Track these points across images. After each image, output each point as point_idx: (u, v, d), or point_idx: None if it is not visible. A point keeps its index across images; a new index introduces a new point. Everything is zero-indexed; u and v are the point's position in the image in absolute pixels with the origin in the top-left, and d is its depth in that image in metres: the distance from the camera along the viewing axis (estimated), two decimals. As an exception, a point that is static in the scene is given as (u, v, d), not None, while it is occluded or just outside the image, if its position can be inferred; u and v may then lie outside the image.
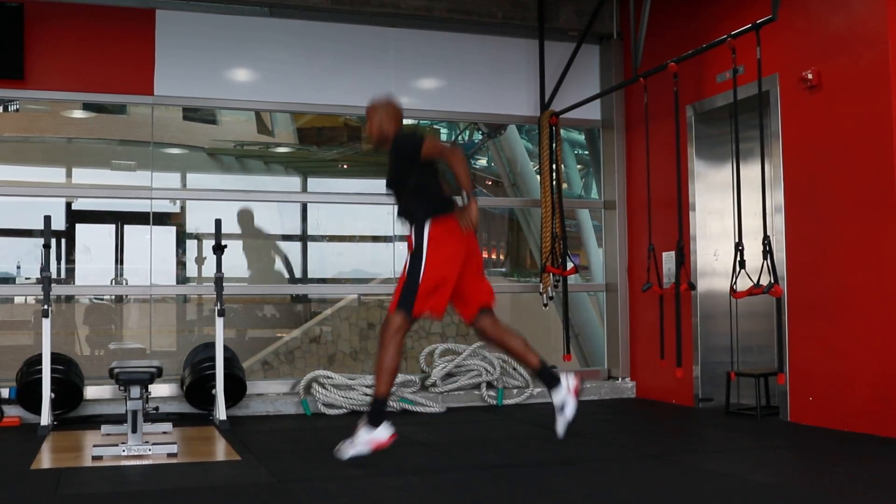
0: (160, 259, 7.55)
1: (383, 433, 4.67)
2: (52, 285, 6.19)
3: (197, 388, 6.56)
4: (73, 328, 8.25)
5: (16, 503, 4.09)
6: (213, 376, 6.32)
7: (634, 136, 7.81)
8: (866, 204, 5.58)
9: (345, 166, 10.28)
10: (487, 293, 4.93)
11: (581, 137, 9.92)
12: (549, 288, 7.64)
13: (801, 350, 6.02)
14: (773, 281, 5.42)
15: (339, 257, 9.84)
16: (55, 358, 6.22)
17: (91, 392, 6.74)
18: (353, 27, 7.63)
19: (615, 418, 6.63)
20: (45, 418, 5.98)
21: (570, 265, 7.53)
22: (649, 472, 4.67)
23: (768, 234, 5.53)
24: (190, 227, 8.62)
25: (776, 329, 5.74)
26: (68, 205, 8.19)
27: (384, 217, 7.90)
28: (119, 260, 8.37)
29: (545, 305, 7.76)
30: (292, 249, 9.63)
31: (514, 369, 7.43)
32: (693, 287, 6.22)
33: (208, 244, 7.29)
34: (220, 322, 6.34)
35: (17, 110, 8.19)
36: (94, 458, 4.95)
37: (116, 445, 5.05)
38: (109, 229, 8.38)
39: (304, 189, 9.64)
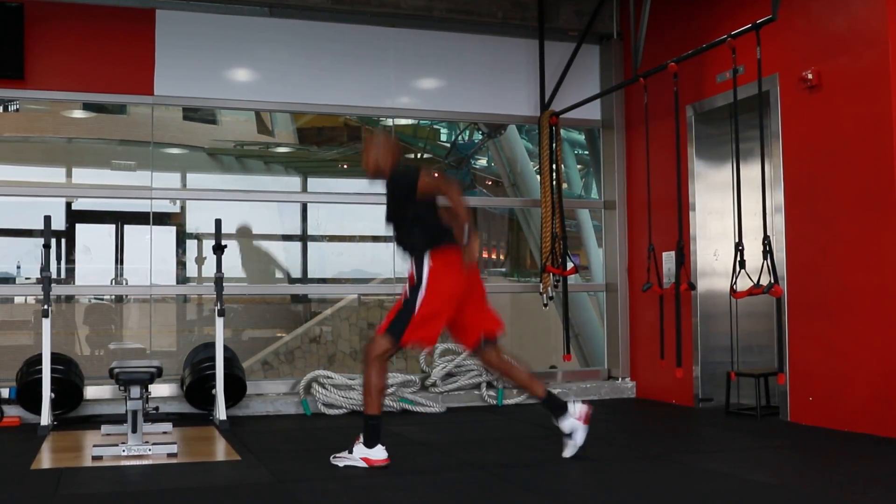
0: (160, 259, 7.55)
1: (378, 454, 4.65)
2: (52, 285, 6.19)
3: (197, 388, 6.56)
4: (73, 328, 8.25)
5: (16, 503, 4.09)
6: (213, 376, 6.32)
7: (634, 136, 7.81)
8: (866, 204, 5.58)
9: (345, 166, 10.28)
10: (490, 323, 4.88)
11: (581, 137, 9.92)
12: (549, 288, 7.64)
13: (801, 350, 6.02)
14: (773, 281, 5.42)
15: (339, 257, 9.85)
16: (55, 358, 6.22)
17: (91, 392, 6.74)
18: (353, 27, 7.63)
19: (615, 418, 6.63)
20: (45, 418, 5.98)
21: (570, 265, 7.53)
22: (649, 472, 4.67)
23: (768, 234, 5.53)
24: (190, 227, 8.63)
25: (776, 329, 5.74)
26: (68, 205, 8.19)
27: (384, 217, 7.88)
28: (119, 260, 8.37)
29: (545, 305, 7.76)
30: (292, 249, 9.63)
31: (514, 369, 7.43)
32: (693, 287, 6.22)
33: (208, 244, 7.29)
34: (220, 322, 6.34)
35: (17, 110, 8.19)
36: (94, 458, 4.95)
37: (116, 445, 5.06)
38: (109, 229, 8.38)
39: (304, 189, 9.65)
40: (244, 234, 8.63)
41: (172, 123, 8.63)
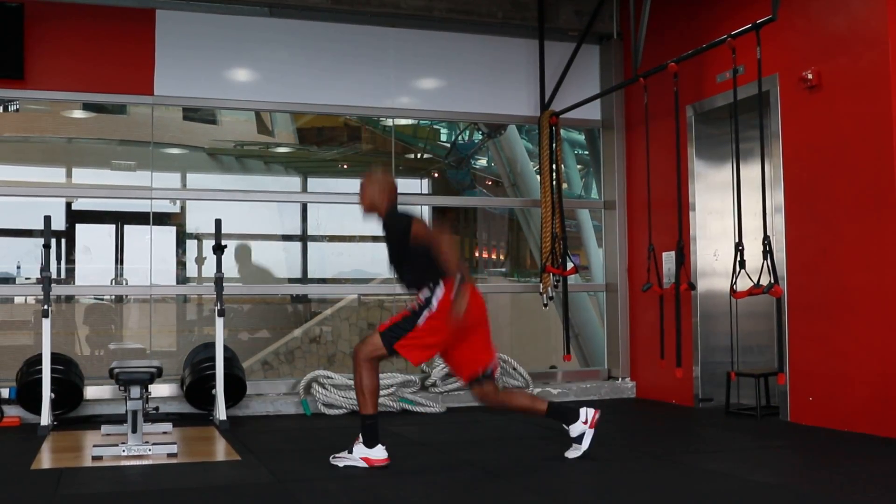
0: (160, 259, 7.55)
1: (378, 454, 4.65)
2: (52, 285, 6.19)
3: (197, 388, 6.55)
4: (73, 328, 8.25)
5: (16, 503, 4.09)
6: (213, 376, 6.32)
7: (634, 136, 7.81)
8: (866, 204, 5.58)
9: (345, 166, 10.28)
10: (484, 363, 4.74)
11: (581, 137, 9.92)
12: (549, 288, 7.64)
13: (801, 350, 6.02)
14: (773, 281, 5.42)
15: (339, 257, 9.85)
16: (55, 358, 6.22)
17: (91, 392, 6.74)
18: (353, 27, 7.63)
19: (615, 418, 6.63)
20: (45, 418, 5.98)
21: (570, 265, 7.53)
22: (649, 472, 4.67)
23: (768, 234, 5.53)
24: (190, 227, 8.63)
25: (776, 329, 5.74)
26: (68, 205, 8.19)
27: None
28: (119, 260, 8.38)
29: (545, 305, 7.76)
30: (292, 249, 9.64)
31: (514, 369, 7.43)
32: (693, 287, 6.22)
33: (208, 244, 7.29)
34: (220, 322, 6.34)
35: (17, 110, 8.19)
36: (94, 458, 4.95)
37: (116, 445, 5.06)
38: (109, 229, 8.38)
39: (304, 189, 9.65)
40: (244, 254, 8.64)
41: (172, 123, 8.63)
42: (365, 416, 4.67)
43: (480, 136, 10.63)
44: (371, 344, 4.68)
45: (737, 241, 5.67)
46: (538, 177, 8.10)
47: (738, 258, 5.63)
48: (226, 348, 6.45)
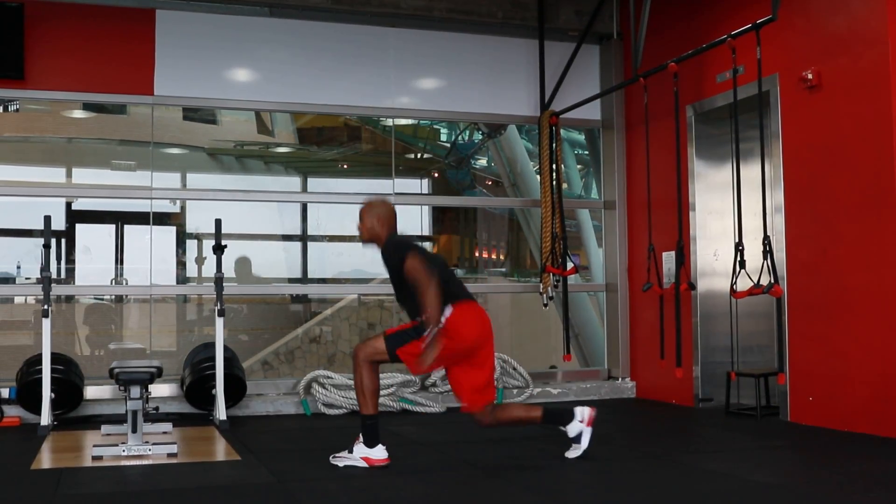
0: (160, 259, 7.55)
1: (379, 454, 4.65)
2: (52, 285, 6.19)
3: (197, 388, 6.55)
4: (73, 328, 8.25)
5: (16, 503, 4.09)
6: (213, 376, 6.32)
7: (634, 136, 7.81)
8: (866, 204, 5.58)
9: (345, 166, 10.28)
10: (482, 402, 4.70)
11: (581, 137, 9.92)
12: (549, 288, 7.64)
13: (801, 350, 6.02)
14: (773, 281, 5.42)
15: (339, 257, 9.84)
16: (55, 358, 6.22)
17: (91, 392, 6.74)
18: (353, 27, 7.63)
19: (615, 418, 6.63)
20: (45, 418, 5.98)
21: (570, 265, 7.53)
22: (649, 472, 4.67)
23: (768, 234, 5.53)
24: (190, 227, 8.63)
25: (776, 329, 5.74)
26: (68, 205, 8.19)
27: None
28: (119, 260, 8.37)
29: (545, 305, 7.76)
30: (292, 249, 9.63)
31: (514, 369, 7.44)
32: (693, 287, 6.22)
33: (208, 244, 7.29)
34: (220, 322, 6.34)
35: (17, 110, 8.19)
36: (94, 458, 4.95)
37: (116, 445, 5.06)
38: (109, 229, 8.38)
39: (304, 189, 9.65)
40: (244, 267, 8.64)
41: (172, 123, 8.63)
42: (365, 416, 4.68)
43: (480, 136, 10.63)
44: (372, 346, 4.68)
45: (737, 241, 5.67)
46: (538, 177, 8.10)
47: (738, 258, 5.63)
48: (226, 348, 6.45)
